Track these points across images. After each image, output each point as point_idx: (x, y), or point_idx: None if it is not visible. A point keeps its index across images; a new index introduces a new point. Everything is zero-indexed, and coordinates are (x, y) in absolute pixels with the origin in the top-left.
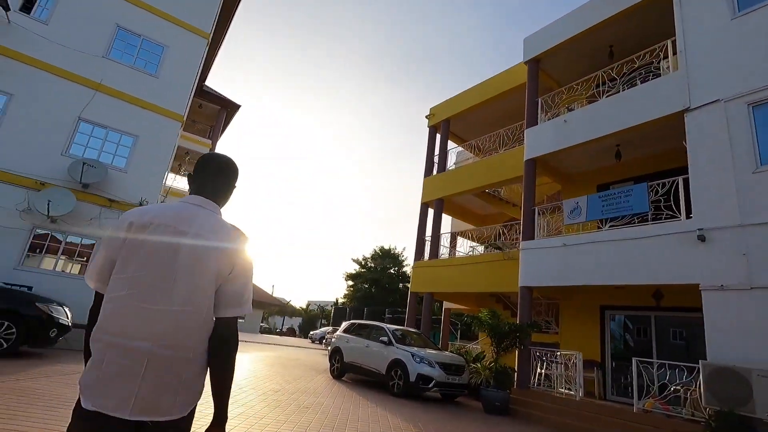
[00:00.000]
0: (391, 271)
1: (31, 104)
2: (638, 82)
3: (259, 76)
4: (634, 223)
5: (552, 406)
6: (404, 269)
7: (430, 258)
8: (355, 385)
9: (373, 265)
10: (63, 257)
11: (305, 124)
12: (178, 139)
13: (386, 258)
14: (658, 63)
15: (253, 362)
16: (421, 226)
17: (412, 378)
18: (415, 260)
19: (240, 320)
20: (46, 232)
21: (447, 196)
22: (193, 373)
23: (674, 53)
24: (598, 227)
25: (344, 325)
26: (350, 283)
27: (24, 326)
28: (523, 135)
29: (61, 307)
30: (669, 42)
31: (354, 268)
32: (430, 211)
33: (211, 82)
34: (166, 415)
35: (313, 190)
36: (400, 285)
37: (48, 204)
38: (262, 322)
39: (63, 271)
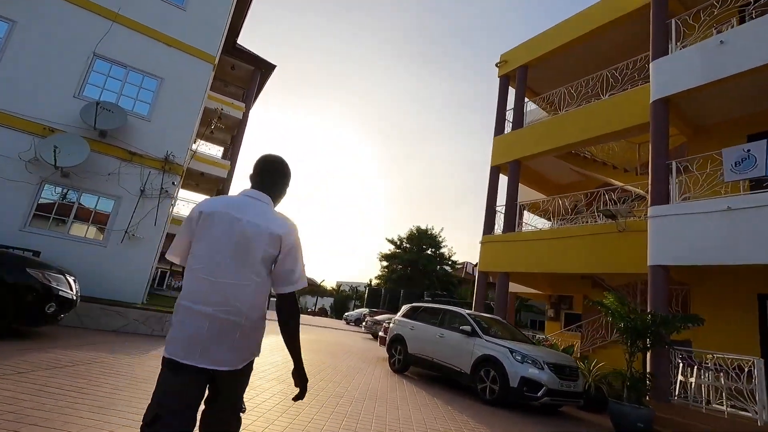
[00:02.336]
0: (428, 252)
1: (37, 34)
2: None
3: (285, 43)
4: None
5: (716, 430)
6: (441, 250)
7: (505, 231)
8: (427, 384)
9: (409, 245)
10: (82, 221)
11: (334, 98)
12: (209, 84)
13: (423, 238)
14: None
15: None
16: (491, 194)
17: (514, 383)
18: (484, 234)
19: (272, 298)
20: (57, 187)
21: (525, 158)
22: (244, 334)
23: None
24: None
25: (405, 308)
26: (384, 263)
27: (11, 298)
28: (636, 74)
29: (62, 276)
30: None
31: (389, 248)
32: (501, 178)
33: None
34: (224, 366)
35: (341, 170)
36: (438, 267)
37: (54, 151)
38: None
39: (85, 236)
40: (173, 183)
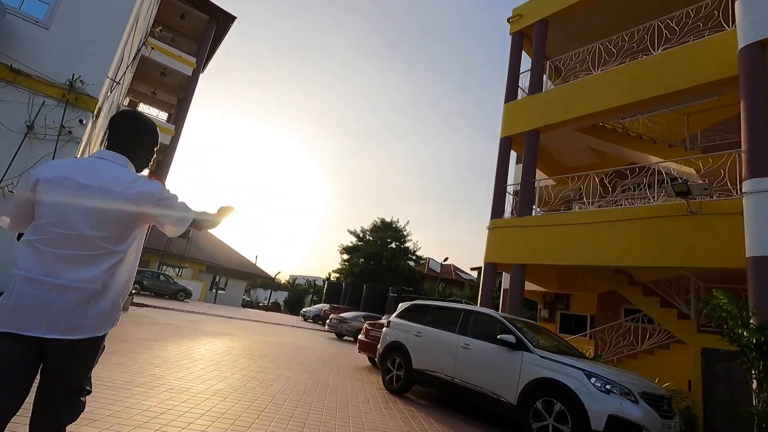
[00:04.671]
0: (392, 245)
1: None
2: None
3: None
4: None
5: None
6: (406, 245)
7: (520, 214)
8: (446, 414)
9: (372, 238)
10: None
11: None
12: None
13: (387, 231)
14: None
15: (257, 357)
16: (500, 170)
17: (598, 424)
18: (492, 218)
19: (221, 291)
20: None
21: (546, 127)
22: (99, 304)
23: None
24: None
25: (404, 307)
26: (345, 257)
27: None
28: (701, 23)
29: None
30: None
31: (351, 240)
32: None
33: None
34: (73, 334)
35: (293, 162)
36: (402, 262)
37: None
38: (244, 294)
39: None
40: (81, 121)
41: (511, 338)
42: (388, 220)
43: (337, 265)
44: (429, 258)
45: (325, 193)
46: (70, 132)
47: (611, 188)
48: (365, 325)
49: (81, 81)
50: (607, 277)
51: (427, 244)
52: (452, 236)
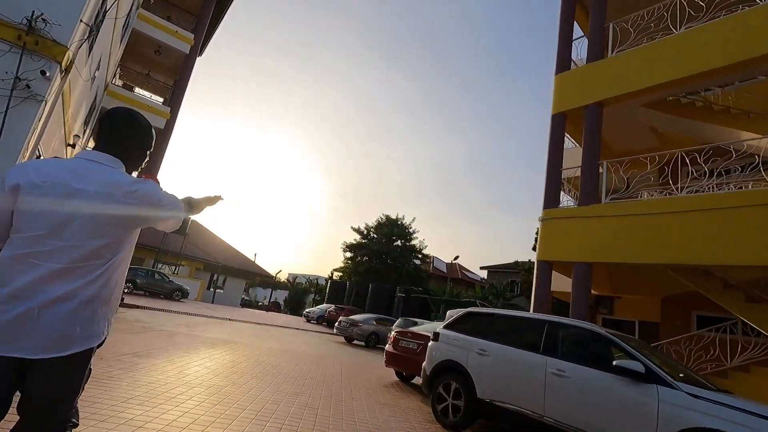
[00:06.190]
0: (398, 243)
1: None
2: None
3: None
4: None
5: None
6: (413, 242)
7: (582, 203)
8: None
9: (376, 236)
10: None
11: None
12: None
13: (393, 228)
14: None
15: (269, 376)
16: (553, 152)
17: None
18: (545, 208)
19: (219, 290)
20: None
21: (614, 99)
22: (89, 311)
23: None
24: None
25: (457, 315)
26: (348, 255)
27: None
28: None
29: None
30: None
31: (354, 238)
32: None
33: None
34: (64, 351)
35: (291, 162)
36: (408, 260)
37: None
38: (243, 293)
39: None
40: (44, 73)
41: (637, 366)
42: (393, 217)
43: (339, 264)
44: (434, 257)
45: (326, 192)
46: (28, 86)
47: (709, 172)
48: (393, 334)
49: (43, 20)
50: (692, 278)
51: (430, 243)
52: (454, 236)
